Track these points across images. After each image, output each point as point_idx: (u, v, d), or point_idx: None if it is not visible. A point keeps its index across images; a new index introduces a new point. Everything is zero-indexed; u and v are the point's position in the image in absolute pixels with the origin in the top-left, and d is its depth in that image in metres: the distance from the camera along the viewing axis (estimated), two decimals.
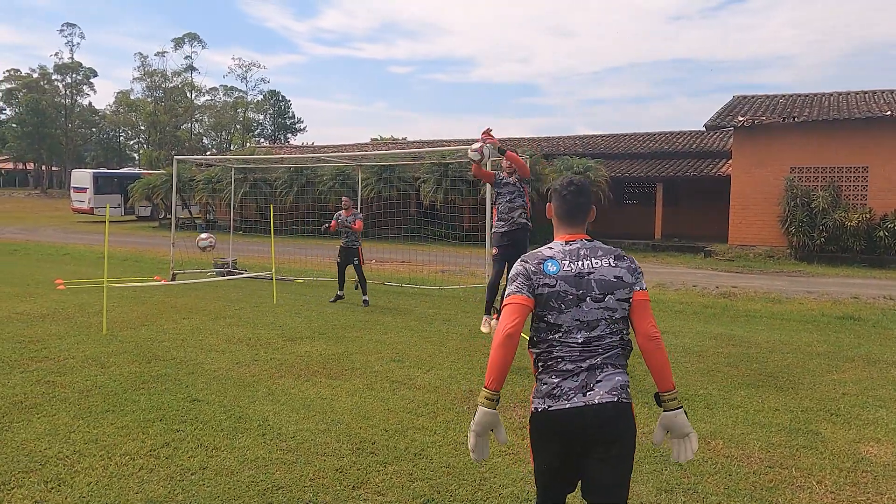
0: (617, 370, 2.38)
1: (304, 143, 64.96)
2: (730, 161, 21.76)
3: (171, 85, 72.75)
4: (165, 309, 9.46)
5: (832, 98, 21.47)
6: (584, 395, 2.32)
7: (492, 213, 7.61)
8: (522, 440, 4.48)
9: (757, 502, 3.66)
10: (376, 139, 52.82)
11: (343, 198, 11.02)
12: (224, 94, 76.63)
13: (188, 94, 74.27)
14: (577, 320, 2.38)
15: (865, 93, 21.65)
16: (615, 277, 2.42)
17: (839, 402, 5.50)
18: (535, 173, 21.52)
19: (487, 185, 10.60)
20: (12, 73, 74.48)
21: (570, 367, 2.35)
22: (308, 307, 9.94)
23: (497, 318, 6.66)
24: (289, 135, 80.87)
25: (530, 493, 3.59)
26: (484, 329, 6.89)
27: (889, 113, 17.74)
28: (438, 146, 28.22)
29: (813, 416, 5.12)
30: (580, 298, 2.38)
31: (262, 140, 77.48)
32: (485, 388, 2.36)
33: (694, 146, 26.19)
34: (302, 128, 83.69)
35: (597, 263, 2.43)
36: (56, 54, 75.95)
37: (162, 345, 7.18)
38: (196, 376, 5.94)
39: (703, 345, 7.62)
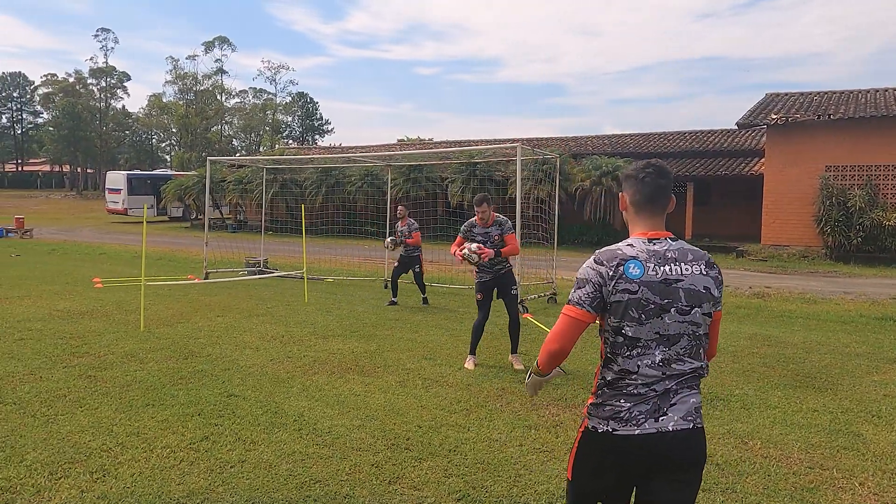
0: (692, 391, 2.14)
1: (332, 145, 65.48)
2: (762, 160, 21.41)
3: (202, 88, 73.99)
4: (200, 307, 9.62)
5: (868, 95, 20.99)
6: (657, 420, 2.08)
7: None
8: (556, 438, 4.47)
9: (797, 502, 3.61)
10: (403, 140, 52.99)
11: (398, 206, 10.55)
12: (253, 97, 77.88)
13: (218, 97, 75.45)
14: (656, 334, 2.09)
15: None
16: (705, 288, 2.13)
17: (881, 403, 5.38)
18: (564, 173, 21.42)
19: (517, 185, 10.61)
20: (49, 77, 76.69)
21: (643, 390, 2.10)
22: (339, 305, 10.03)
23: (517, 360, 6.44)
24: (316, 136, 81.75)
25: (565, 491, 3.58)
26: (468, 366, 6.36)
27: None
28: (466, 146, 28.24)
29: (854, 417, 5.02)
30: (663, 309, 2.08)
31: (291, 141, 78.41)
32: (538, 368, 2.32)
33: (725, 145, 25.83)
34: (329, 129, 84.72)
35: (687, 270, 2.12)
36: (91, 59, 78.32)
37: (198, 341, 7.30)
38: (232, 372, 6.03)
39: (738, 345, 7.51)
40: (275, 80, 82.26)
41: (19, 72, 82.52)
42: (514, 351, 6.53)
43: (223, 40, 73.94)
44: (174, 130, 78.23)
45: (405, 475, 3.89)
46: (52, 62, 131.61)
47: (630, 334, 2.10)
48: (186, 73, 73.07)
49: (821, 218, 18.34)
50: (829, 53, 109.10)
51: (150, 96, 78.48)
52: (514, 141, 14.60)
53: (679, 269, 2.11)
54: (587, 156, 25.12)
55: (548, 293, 11.30)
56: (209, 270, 13.52)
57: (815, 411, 5.14)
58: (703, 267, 2.14)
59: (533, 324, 8.53)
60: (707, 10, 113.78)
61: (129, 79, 76.89)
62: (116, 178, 38.74)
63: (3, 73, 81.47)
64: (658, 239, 2.16)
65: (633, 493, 2.22)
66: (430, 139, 51.40)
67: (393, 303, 10.31)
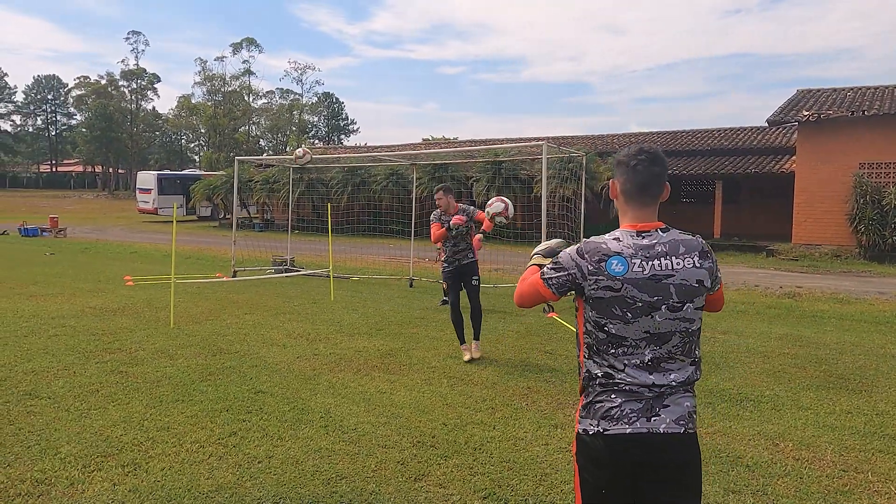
0: (686, 393, 2.03)
1: (357, 144, 65.87)
2: (793, 157, 21.01)
3: (230, 89, 74.89)
4: (228, 304, 9.75)
5: None
6: (649, 419, 1.97)
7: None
8: None
9: None
10: (427, 139, 53.07)
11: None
12: (280, 97, 78.61)
13: (246, 98, 76.33)
14: (646, 332, 1.98)
15: None
16: (697, 282, 2.00)
17: None
18: (590, 172, 21.25)
19: (542, 183, 10.55)
20: (82, 80, 78.33)
21: (635, 388, 1.99)
22: (364, 304, 10.08)
23: (476, 347, 6.72)
24: (342, 136, 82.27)
25: None
26: (469, 356, 6.52)
27: None
28: (491, 145, 28.17)
29: (889, 419, 4.90)
30: (653, 307, 1.97)
31: (317, 141, 78.98)
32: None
33: (755, 142, 25.37)
34: (355, 129, 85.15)
35: (678, 264, 1.99)
36: (122, 61, 79.82)
37: (226, 338, 7.40)
38: (259, 369, 6.10)
39: (768, 345, 7.38)
40: (301, 81, 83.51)
41: (53, 74, 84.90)
42: (476, 338, 6.79)
43: (250, 41, 74.82)
44: (203, 131, 79.35)
45: (430, 473, 3.89)
46: (85, 65, 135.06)
47: (614, 332, 2.00)
48: (215, 74, 74.09)
49: (854, 216, 17.92)
50: (861, 48, 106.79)
51: (180, 97, 79.77)
52: (539, 139, 14.53)
53: (670, 263, 1.98)
54: (613, 154, 24.87)
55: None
56: (237, 269, 13.69)
57: (848, 413, 5.03)
58: (696, 259, 2.01)
59: (559, 323, 8.49)
60: (735, 6, 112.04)
61: (158, 80, 78.31)
62: (147, 178, 39.39)
63: (38, 76, 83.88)
64: (647, 231, 2.03)
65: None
66: (454, 138, 51.43)
67: (445, 302, 9.75)
